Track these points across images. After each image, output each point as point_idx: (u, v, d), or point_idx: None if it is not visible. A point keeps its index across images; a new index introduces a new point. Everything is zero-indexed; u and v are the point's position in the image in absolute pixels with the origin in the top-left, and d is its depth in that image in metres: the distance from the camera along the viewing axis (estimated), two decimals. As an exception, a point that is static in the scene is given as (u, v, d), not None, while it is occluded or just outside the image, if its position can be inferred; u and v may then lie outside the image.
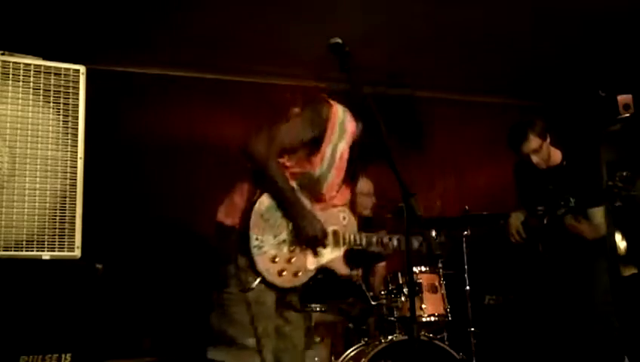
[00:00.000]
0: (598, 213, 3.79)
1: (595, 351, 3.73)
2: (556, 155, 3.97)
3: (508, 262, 5.29)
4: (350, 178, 2.88)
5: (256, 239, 2.56)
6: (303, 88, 5.21)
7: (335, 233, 2.80)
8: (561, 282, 3.94)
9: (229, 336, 2.57)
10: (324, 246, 2.72)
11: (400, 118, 2.72)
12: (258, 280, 2.56)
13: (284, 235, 2.64)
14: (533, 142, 3.86)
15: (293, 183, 2.67)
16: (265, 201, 2.61)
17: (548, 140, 3.92)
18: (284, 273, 2.62)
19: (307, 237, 2.65)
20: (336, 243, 2.80)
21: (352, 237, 2.84)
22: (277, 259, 2.60)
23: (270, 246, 2.59)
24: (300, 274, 2.68)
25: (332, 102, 2.75)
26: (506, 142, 3.98)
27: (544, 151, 3.89)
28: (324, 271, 2.88)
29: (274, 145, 2.62)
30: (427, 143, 2.78)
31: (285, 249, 2.64)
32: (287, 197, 2.63)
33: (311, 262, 2.72)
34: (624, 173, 3.40)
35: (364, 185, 4.61)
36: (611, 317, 3.81)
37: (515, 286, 5.21)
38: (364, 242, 2.87)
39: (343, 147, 2.75)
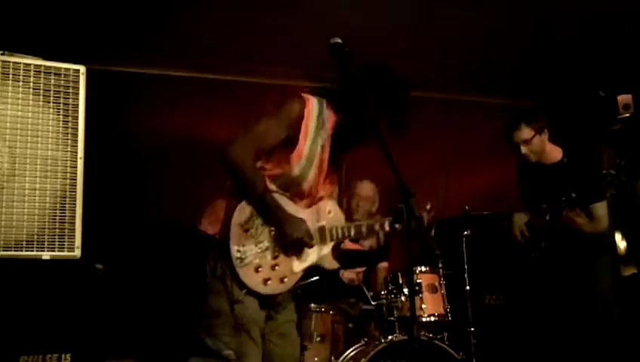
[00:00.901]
0: (600, 208, 3.77)
1: (596, 350, 3.71)
2: (556, 152, 3.96)
3: (508, 262, 5.29)
4: (335, 167, 2.80)
5: (238, 251, 2.50)
6: (301, 88, 5.20)
7: (321, 229, 2.72)
8: (562, 280, 3.92)
9: (210, 347, 2.53)
10: (310, 246, 2.65)
11: (385, 97, 2.57)
12: (244, 292, 2.52)
13: (266, 243, 2.58)
14: (524, 132, 3.87)
15: (273, 186, 2.61)
16: (243, 210, 2.55)
17: (545, 136, 3.92)
18: (270, 281, 2.56)
19: (291, 241, 2.59)
20: (323, 240, 2.72)
21: (339, 230, 2.75)
22: (260, 269, 2.54)
23: (253, 256, 2.53)
24: (286, 279, 2.62)
25: (306, 96, 2.66)
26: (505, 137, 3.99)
27: (536, 144, 3.89)
28: (319, 271, 2.84)
29: (249, 150, 2.55)
30: (410, 122, 2.66)
31: (269, 256, 2.57)
32: (266, 203, 2.56)
33: (297, 265, 2.65)
34: (619, 161, 3.41)
35: (366, 188, 4.58)
36: (612, 315, 3.80)
37: (515, 286, 5.21)
38: (352, 233, 2.77)
39: (324, 139, 2.67)
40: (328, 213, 2.77)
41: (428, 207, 2.81)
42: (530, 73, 5.63)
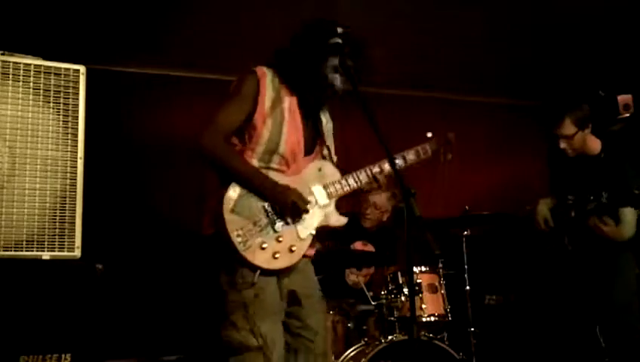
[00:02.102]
0: (629, 213, 3.57)
1: (617, 352, 3.59)
2: (594, 145, 3.74)
3: (508, 262, 5.29)
4: (314, 128, 2.77)
5: (238, 236, 2.48)
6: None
7: (317, 189, 2.69)
8: (583, 278, 3.75)
9: (235, 340, 2.51)
10: (307, 211, 2.60)
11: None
12: (258, 273, 2.50)
13: (263, 219, 2.55)
14: (568, 128, 3.66)
15: (255, 162, 2.59)
16: (230, 196, 2.52)
17: (587, 130, 3.70)
18: (278, 255, 2.54)
19: (286, 209, 2.56)
20: (323, 199, 2.68)
21: (337, 185, 2.72)
22: (265, 245, 2.52)
23: (254, 236, 2.51)
24: (294, 248, 2.58)
25: (258, 67, 2.67)
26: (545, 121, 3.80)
27: (577, 141, 3.68)
28: (323, 267, 2.78)
29: (219, 136, 2.56)
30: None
31: (270, 231, 2.55)
32: (252, 179, 2.54)
33: (302, 231, 2.62)
34: None
35: (378, 197, 4.56)
36: (632, 317, 3.61)
37: (515, 286, 5.21)
38: (352, 183, 2.73)
39: (287, 100, 2.65)
40: (319, 170, 2.73)
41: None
42: (530, 73, 5.63)
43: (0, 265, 2.65)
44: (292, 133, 2.66)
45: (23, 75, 2.79)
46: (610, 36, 4.99)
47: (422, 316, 3.83)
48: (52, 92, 2.83)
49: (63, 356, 2.71)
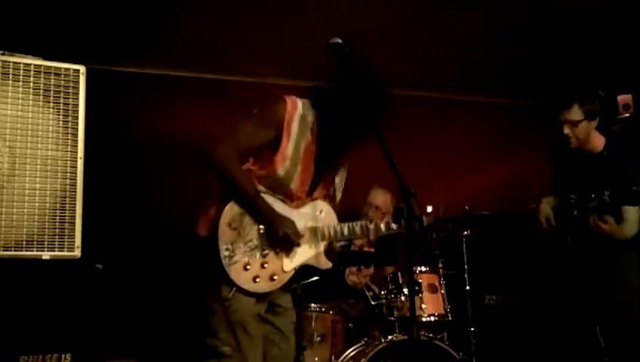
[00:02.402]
0: (632, 212, 3.56)
1: (617, 352, 3.57)
2: (598, 141, 3.73)
3: (508, 262, 5.29)
4: (327, 169, 2.81)
5: (226, 249, 2.53)
6: (301, 88, 5.20)
7: (313, 229, 2.75)
8: (584, 277, 3.74)
9: (208, 345, 2.57)
10: (299, 245, 2.66)
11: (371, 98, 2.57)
12: (233, 290, 2.54)
13: (254, 241, 2.60)
14: (575, 113, 3.64)
15: (261, 187, 2.63)
16: (231, 210, 2.57)
17: (593, 123, 3.68)
18: (259, 279, 2.58)
19: (278, 239, 2.61)
20: (316, 240, 2.74)
21: (331, 230, 2.77)
22: (249, 267, 2.56)
23: (242, 255, 2.55)
24: (276, 277, 2.63)
25: (289, 98, 2.69)
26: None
27: (581, 130, 3.66)
28: (316, 271, 2.84)
29: (233, 152, 2.58)
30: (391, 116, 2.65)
31: (257, 255, 2.59)
32: (254, 201, 2.58)
33: (287, 264, 2.67)
34: None
35: (380, 197, 4.55)
36: (633, 317, 3.57)
37: (515, 286, 5.21)
38: (345, 232, 2.79)
39: (308, 140, 2.68)
40: (320, 212, 2.78)
41: (429, 209, 2.82)
42: (530, 73, 5.63)
43: (0, 265, 2.65)
44: (304, 172, 2.69)
45: (23, 75, 2.79)
46: (610, 36, 4.99)
47: (422, 316, 3.83)
48: (52, 92, 2.83)
49: (63, 356, 2.71)
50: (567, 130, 3.69)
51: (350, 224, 2.82)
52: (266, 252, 2.61)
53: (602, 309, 3.65)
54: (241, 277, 2.55)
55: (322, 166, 2.78)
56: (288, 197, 2.69)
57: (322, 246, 2.78)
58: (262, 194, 2.62)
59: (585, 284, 3.75)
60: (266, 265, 2.60)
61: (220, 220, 2.54)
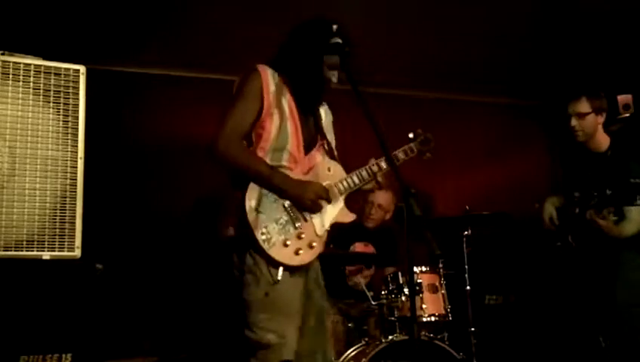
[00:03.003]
0: (635, 212, 3.54)
1: (618, 352, 3.56)
2: (603, 141, 3.73)
3: (508, 262, 5.29)
4: (312, 118, 2.83)
5: (262, 234, 2.54)
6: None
7: (329, 187, 2.76)
8: (586, 277, 3.74)
9: (251, 339, 2.55)
10: (329, 201, 2.71)
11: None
12: (281, 270, 2.55)
13: (284, 216, 2.61)
14: (582, 105, 3.68)
15: (267, 160, 2.63)
16: (251, 196, 2.57)
17: (600, 118, 3.70)
18: (301, 251, 2.61)
19: (310, 202, 2.63)
20: (334, 197, 2.77)
21: (345, 183, 2.80)
22: (288, 242, 2.58)
23: (277, 234, 2.57)
24: (314, 244, 2.67)
25: (259, 65, 2.71)
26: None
27: (588, 123, 3.67)
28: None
29: (236, 137, 2.60)
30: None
31: (291, 228, 2.61)
32: (271, 178, 2.59)
33: (319, 228, 2.70)
34: None
35: (381, 196, 4.56)
36: (634, 317, 3.54)
37: (515, 286, 5.21)
38: (357, 181, 2.82)
39: (287, 98, 2.71)
40: (328, 170, 2.81)
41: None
42: (530, 73, 5.63)
43: (0, 265, 2.65)
44: (296, 129, 2.70)
45: (23, 75, 2.79)
46: (610, 36, 4.99)
47: (422, 316, 3.83)
48: (52, 92, 2.83)
49: (64, 356, 2.71)
50: (574, 122, 3.71)
51: (357, 172, 2.84)
52: (298, 224, 2.64)
53: (603, 309, 3.64)
54: (285, 255, 2.57)
55: (307, 117, 2.79)
56: (292, 161, 2.69)
57: (342, 201, 2.82)
58: (277, 169, 2.64)
59: (586, 284, 3.75)
60: (302, 236, 2.63)
61: (246, 211, 2.54)
